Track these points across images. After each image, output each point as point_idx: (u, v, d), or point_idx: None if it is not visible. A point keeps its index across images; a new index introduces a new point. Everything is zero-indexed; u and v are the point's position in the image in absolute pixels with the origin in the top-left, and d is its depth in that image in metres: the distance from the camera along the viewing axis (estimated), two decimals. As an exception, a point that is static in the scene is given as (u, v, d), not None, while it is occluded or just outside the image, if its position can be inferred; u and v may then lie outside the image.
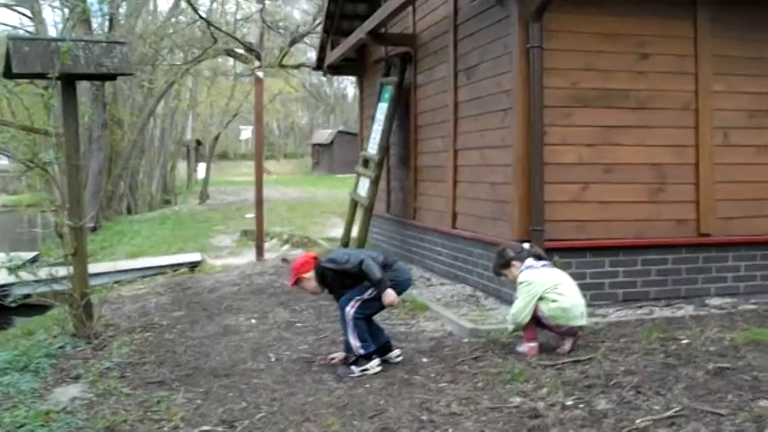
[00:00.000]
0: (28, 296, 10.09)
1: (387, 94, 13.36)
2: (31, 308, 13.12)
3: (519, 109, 9.08)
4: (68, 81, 8.94)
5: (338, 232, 19.02)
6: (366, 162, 13.94)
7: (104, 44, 9.23)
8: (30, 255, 19.63)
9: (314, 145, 71.96)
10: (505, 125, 9.49)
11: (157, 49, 29.39)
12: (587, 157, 9.28)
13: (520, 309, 7.36)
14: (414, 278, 11.47)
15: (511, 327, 7.68)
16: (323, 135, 70.54)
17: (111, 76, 9.91)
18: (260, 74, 16.52)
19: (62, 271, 9.23)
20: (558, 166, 9.16)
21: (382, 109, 13.38)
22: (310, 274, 7.41)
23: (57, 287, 9.32)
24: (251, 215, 26.12)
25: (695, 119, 9.61)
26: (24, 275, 9.47)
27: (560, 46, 9.18)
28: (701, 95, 9.60)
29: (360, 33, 13.27)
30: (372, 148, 13.49)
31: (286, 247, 18.68)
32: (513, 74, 9.21)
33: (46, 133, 9.17)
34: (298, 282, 7.46)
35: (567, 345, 7.41)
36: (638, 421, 5.57)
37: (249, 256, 16.83)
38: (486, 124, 10.08)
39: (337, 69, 17.97)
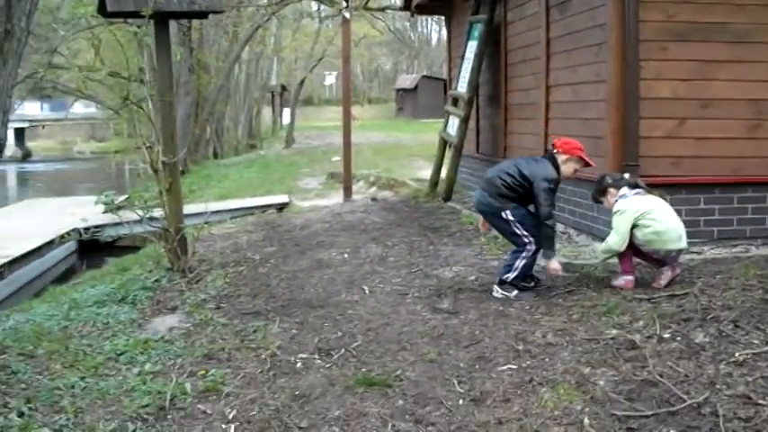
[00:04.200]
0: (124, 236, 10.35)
1: (476, 32, 13.23)
2: (122, 249, 13.45)
3: (613, 43, 8.90)
4: (161, 19, 9.03)
5: (425, 174, 18.96)
6: (455, 101, 13.87)
7: (196, -18, 9.28)
8: (120, 198, 20.11)
9: (398, 90, 71.68)
10: (599, 60, 9.33)
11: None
12: (683, 92, 9.08)
13: (614, 238, 7.29)
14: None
15: (602, 255, 7.59)
16: (407, 80, 70.23)
17: (203, 14, 9.99)
18: (347, 14, 16.44)
19: (157, 211, 9.42)
20: (653, 101, 8.98)
21: (472, 47, 13.26)
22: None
23: (149, 226, 9.51)
24: (337, 158, 26.21)
25: (795, 53, 9.33)
26: (123, 214, 9.67)
27: (656, -22, 8.97)
28: (803, 29, 9.31)
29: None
30: (462, 86, 13.40)
31: (373, 189, 18.71)
32: (607, 7, 9.03)
33: (125, 79, 9.30)
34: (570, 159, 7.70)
35: (664, 279, 7.31)
36: (737, 354, 5.50)
37: (336, 197, 16.89)
38: (580, 60, 9.92)
39: (425, 9, 17.86)
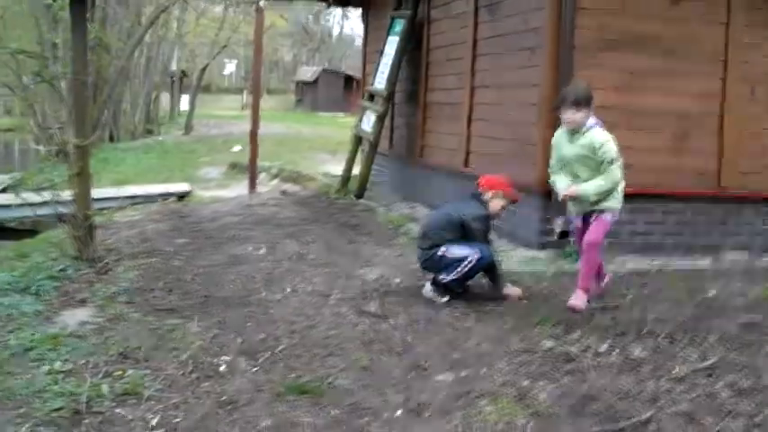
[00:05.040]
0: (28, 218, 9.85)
1: (398, 28, 13.03)
2: (13, 232, 12.85)
3: (548, 48, 8.83)
4: (78, -6, 8.58)
5: (331, 168, 18.80)
6: (372, 97, 13.65)
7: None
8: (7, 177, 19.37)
9: (298, 82, 71.35)
10: (531, 64, 9.22)
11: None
12: (613, 101, 9.02)
13: (616, 169, 6.79)
14: (420, 216, 11.33)
15: (599, 194, 6.95)
16: (307, 72, 69.90)
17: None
18: (262, 3, 16.09)
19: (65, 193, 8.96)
20: (583, 109, 8.91)
21: (392, 43, 13.06)
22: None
23: (57, 210, 9.02)
24: (238, 148, 25.87)
25: (723, 70, 9.38)
26: (26, 196, 9.18)
27: (591, -15, 8.90)
28: (731, 46, 9.36)
29: (373, -37, 12.94)
30: (380, 82, 13.19)
31: (275, 181, 18.41)
32: (543, 11, 8.93)
33: (36, 56, 8.84)
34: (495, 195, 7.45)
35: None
36: (675, 370, 5.49)
37: (238, 189, 16.58)
38: (509, 63, 9.80)
39: (343, 1, 17.63)
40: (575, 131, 6.77)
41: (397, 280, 8.01)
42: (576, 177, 6.89)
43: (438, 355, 5.88)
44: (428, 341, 6.19)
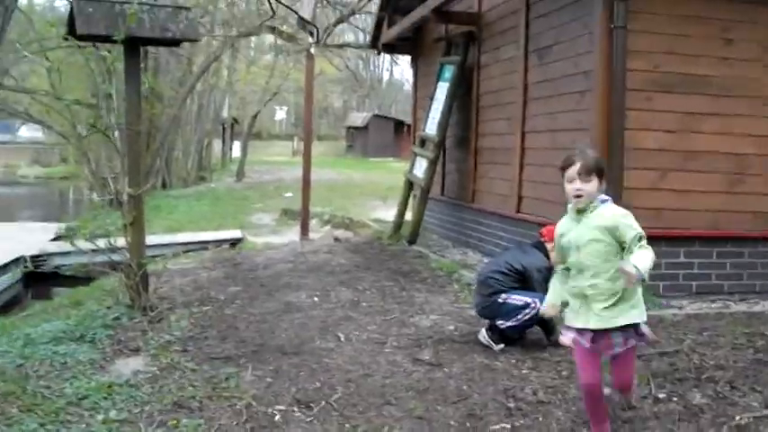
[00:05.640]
0: (84, 266, 9.94)
1: (447, 74, 13.06)
2: (68, 279, 12.98)
3: (599, 91, 8.74)
4: (133, 45, 8.68)
5: (382, 214, 18.82)
6: (423, 142, 13.66)
7: (170, 8, 8.96)
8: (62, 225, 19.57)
9: (348, 128, 71.76)
10: (582, 107, 9.18)
11: (201, 21, 29.15)
12: (667, 143, 8.96)
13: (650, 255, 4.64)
14: (472, 262, 11.27)
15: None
16: (358, 118, 70.30)
17: (176, 42, 9.63)
18: (313, 50, 16.22)
19: (119, 241, 9.04)
20: (636, 152, 8.82)
21: (442, 88, 13.09)
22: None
23: (111, 258, 9.10)
24: (289, 194, 26.00)
25: (778, 109, 9.28)
26: (80, 244, 9.27)
27: (643, 27, 8.81)
28: (786, 86, 9.27)
29: (423, 11, 12.99)
30: (431, 128, 13.20)
31: (327, 227, 18.47)
32: (593, 54, 8.88)
33: (90, 106, 8.95)
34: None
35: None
36: (737, 418, 5.36)
37: (290, 234, 16.62)
38: (560, 106, 9.76)
39: (392, 48, 17.75)
40: (581, 210, 4.88)
41: (451, 327, 7.94)
42: (579, 273, 4.90)
43: (494, 404, 5.81)
44: (484, 390, 6.11)
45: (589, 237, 4.80)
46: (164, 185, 36.33)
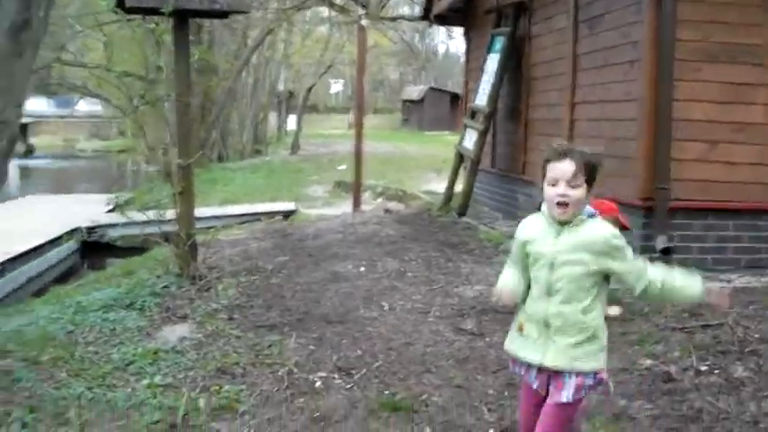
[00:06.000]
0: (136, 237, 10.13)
1: (498, 45, 12.98)
2: (124, 250, 13.20)
3: (647, 61, 8.65)
4: (181, 17, 8.74)
5: (435, 186, 18.80)
6: (474, 114, 13.62)
7: (218, -20, 9.01)
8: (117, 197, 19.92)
9: (404, 101, 71.58)
10: (631, 78, 9.08)
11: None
12: (716, 114, 8.82)
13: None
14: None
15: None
16: (413, 91, 70.06)
17: (224, 14, 9.69)
18: (364, 23, 16.21)
19: (169, 212, 9.19)
20: (685, 123, 8.71)
21: (493, 60, 13.02)
22: None
23: (161, 229, 9.25)
24: (343, 167, 26.06)
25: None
26: (132, 215, 9.43)
27: (691, -3, 8.73)
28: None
29: (474, -19, 12.93)
30: (481, 99, 13.15)
31: (380, 199, 18.53)
32: (642, 24, 8.77)
33: (139, 78, 9.05)
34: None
35: None
36: (778, 391, 5.29)
37: (344, 207, 16.66)
38: (609, 77, 9.66)
39: (444, 19, 17.64)
40: (563, 222, 3.82)
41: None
42: (545, 296, 3.85)
43: (533, 374, 5.83)
44: (524, 359, 6.13)
45: (569, 257, 3.78)
46: (220, 158, 36.58)
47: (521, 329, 3.99)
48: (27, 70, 5.78)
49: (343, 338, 6.75)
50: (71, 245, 16.48)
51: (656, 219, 8.64)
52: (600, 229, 3.81)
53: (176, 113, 8.86)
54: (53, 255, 15.81)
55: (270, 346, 6.62)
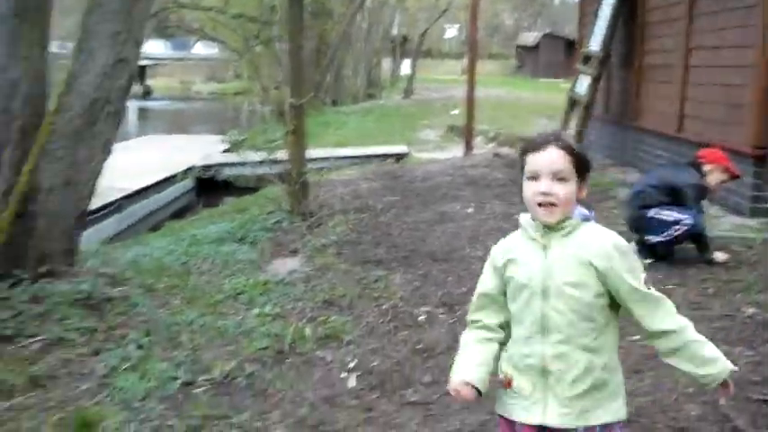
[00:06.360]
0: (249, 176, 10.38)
1: (613, -10, 12.82)
2: (239, 189, 13.53)
3: (765, 6, 8.46)
4: (296, -41, 8.91)
5: (548, 132, 18.65)
6: (587, 59, 13.48)
7: None
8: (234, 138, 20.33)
9: (518, 47, 70.82)
10: (748, 23, 8.89)
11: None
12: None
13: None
14: (631, 180, 11.18)
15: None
16: (528, 37, 69.26)
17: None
18: (479, -35, 16.11)
19: (280, 154, 9.41)
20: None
21: (608, 4, 12.84)
22: None
23: (272, 168, 9.48)
24: (456, 111, 26.02)
25: None
26: (246, 155, 9.67)
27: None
28: None
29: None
30: (595, 44, 13.00)
31: (492, 144, 18.50)
32: (761, -32, 8.60)
33: (251, 20, 9.20)
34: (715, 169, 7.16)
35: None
36: None
37: (455, 151, 16.70)
38: (726, 22, 9.46)
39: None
40: (551, 229, 2.78)
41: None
42: (537, 335, 2.78)
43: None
44: (626, 302, 6.16)
45: (566, 278, 2.74)
46: (333, 102, 36.86)
47: (509, 385, 2.83)
48: (145, 11, 5.99)
49: (448, 276, 6.88)
50: (187, 183, 16.95)
51: (766, 169, 8.50)
52: (600, 234, 2.78)
53: (289, 54, 9.05)
54: (170, 192, 16.33)
55: (376, 280, 6.80)
